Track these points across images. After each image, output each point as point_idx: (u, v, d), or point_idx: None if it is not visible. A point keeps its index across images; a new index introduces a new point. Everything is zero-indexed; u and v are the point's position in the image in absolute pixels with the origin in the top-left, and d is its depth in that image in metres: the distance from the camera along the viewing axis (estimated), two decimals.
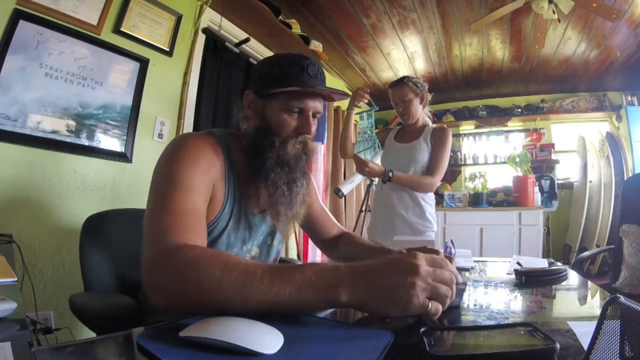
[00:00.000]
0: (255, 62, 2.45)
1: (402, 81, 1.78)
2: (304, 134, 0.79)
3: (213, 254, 0.54)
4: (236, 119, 0.85)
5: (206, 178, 0.71)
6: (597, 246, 3.41)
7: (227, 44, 2.23)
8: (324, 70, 0.84)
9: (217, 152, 0.76)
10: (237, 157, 0.80)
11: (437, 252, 0.65)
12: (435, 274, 0.49)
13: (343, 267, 0.50)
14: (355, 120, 2.07)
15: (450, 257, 0.59)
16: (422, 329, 0.46)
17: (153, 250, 0.57)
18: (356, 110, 1.76)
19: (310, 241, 2.94)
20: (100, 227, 1.00)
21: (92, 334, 0.78)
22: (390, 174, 1.62)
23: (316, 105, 0.79)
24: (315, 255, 2.97)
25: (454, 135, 4.62)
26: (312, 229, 1.05)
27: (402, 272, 0.48)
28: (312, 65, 0.77)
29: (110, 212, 1.07)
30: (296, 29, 2.53)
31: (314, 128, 0.81)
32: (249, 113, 0.81)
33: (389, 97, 1.85)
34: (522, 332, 0.48)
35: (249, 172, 0.80)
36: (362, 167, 1.60)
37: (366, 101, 1.72)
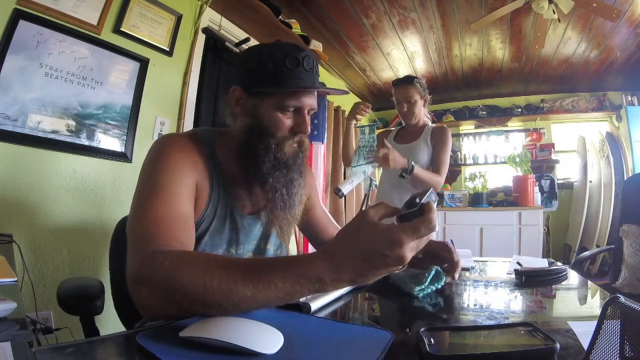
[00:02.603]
0: None
1: (410, 81, 1.75)
2: (301, 133, 0.75)
3: (191, 259, 0.52)
4: (222, 114, 0.81)
5: (188, 179, 0.69)
6: (597, 246, 3.41)
7: (227, 43, 2.23)
8: (315, 58, 0.78)
9: (200, 152, 0.73)
10: (223, 156, 0.77)
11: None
12: (418, 245, 0.46)
13: (326, 278, 0.47)
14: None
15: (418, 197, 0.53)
16: (422, 329, 0.46)
17: (133, 259, 0.56)
18: (357, 123, 1.74)
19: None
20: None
21: (92, 334, 0.78)
22: (412, 167, 1.57)
23: (312, 102, 0.75)
24: None
25: (454, 135, 4.64)
26: (313, 234, 1.02)
27: (390, 266, 0.45)
28: (308, 57, 0.72)
29: None
30: (296, 29, 2.53)
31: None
32: (237, 110, 0.76)
33: (392, 94, 1.84)
34: (522, 332, 0.48)
35: (240, 174, 0.76)
36: (385, 159, 1.51)
37: (366, 115, 1.70)
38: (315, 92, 0.76)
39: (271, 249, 0.87)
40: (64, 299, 0.81)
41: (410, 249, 0.45)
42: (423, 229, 0.45)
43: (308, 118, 0.75)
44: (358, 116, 1.67)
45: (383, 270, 0.46)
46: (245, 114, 0.74)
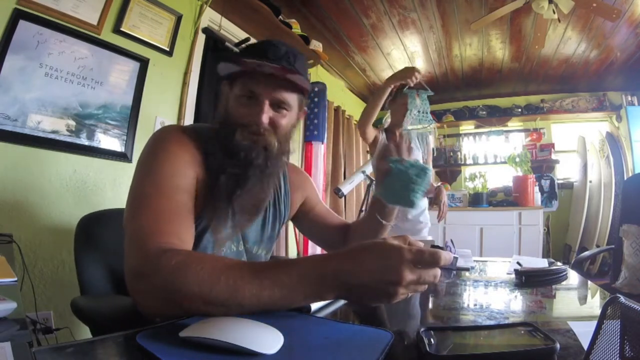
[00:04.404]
0: None
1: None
2: (252, 122, 0.69)
3: (198, 259, 0.52)
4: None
5: (189, 171, 0.67)
6: (597, 246, 3.41)
7: (227, 44, 2.23)
8: (301, 56, 0.75)
9: (199, 145, 0.71)
10: None
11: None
12: (420, 279, 0.47)
13: (329, 274, 0.49)
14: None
15: (439, 248, 0.58)
16: (422, 329, 0.46)
17: (135, 256, 0.55)
18: (406, 87, 1.69)
19: (310, 241, 2.93)
20: (95, 227, 0.99)
21: (93, 335, 0.78)
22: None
23: (272, 91, 0.69)
24: (315, 253, 2.96)
25: (454, 135, 4.65)
26: (319, 231, 0.99)
27: (386, 282, 0.47)
28: (275, 47, 0.70)
29: (106, 211, 1.06)
30: (296, 29, 2.53)
31: (285, 121, 0.72)
32: (220, 106, 0.77)
33: (396, 96, 1.87)
34: (522, 332, 0.48)
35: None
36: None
37: (416, 81, 1.65)
38: (288, 86, 0.71)
39: (262, 254, 0.86)
40: (105, 322, 0.74)
41: (408, 284, 0.47)
42: (427, 277, 0.48)
43: (266, 108, 0.70)
44: (406, 80, 1.62)
45: (377, 285, 0.47)
46: (222, 105, 0.76)
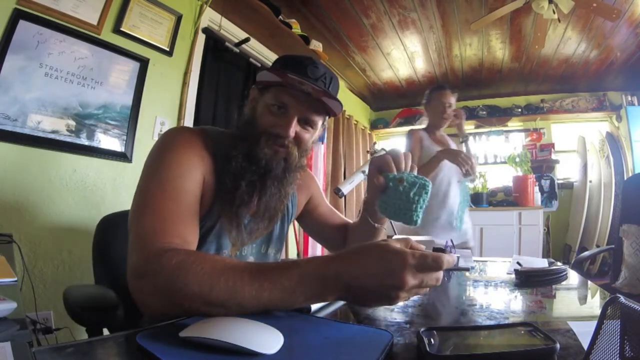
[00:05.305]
0: (255, 62, 2.45)
1: (452, 90, 1.91)
2: (278, 133, 0.70)
3: (199, 259, 0.52)
4: (237, 119, 0.80)
5: (196, 174, 0.67)
6: (597, 246, 3.41)
7: (227, 43, 2.23)
8: (336, 79, 0.76)
9: (208, 148, 0.71)
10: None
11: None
12: (422, 283, 0.47)
13: (330, 275, 0.48)
14: None
15: (442, 251, 0.58)
16: (422, 329, 0.46)
17: (137, 255, 0.55)
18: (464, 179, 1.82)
19: (310, 241, 2.94)
20: (115, 226, 1.01)
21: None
22: None
23: (303, 108, 0.70)
24: (315, 253, 2.96)
25: (453, 135, 4.64)
26: (320, 230, 1.00)
27: (388, 286, 0.47)
28: (315, 66, 0.71)
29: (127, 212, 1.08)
30: (296, 28, 2.53)
31: (308, 136, 0.73)
32: (247, 108, 0.77)
33: (424, 96, 1.96)
34: (522, 332, 0.48)
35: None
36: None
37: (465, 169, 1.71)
38: (319, 106, 0.72)
39: (272, 254, 0.86)
40: (79, 311, 0.76)
41: (410, 288, 0.47)
42: (429, 281, 0.48)
43: (294, 122, 0.70)
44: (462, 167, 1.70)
45: (378, 289, 0.47)
46: (250, 110, 0.76)
